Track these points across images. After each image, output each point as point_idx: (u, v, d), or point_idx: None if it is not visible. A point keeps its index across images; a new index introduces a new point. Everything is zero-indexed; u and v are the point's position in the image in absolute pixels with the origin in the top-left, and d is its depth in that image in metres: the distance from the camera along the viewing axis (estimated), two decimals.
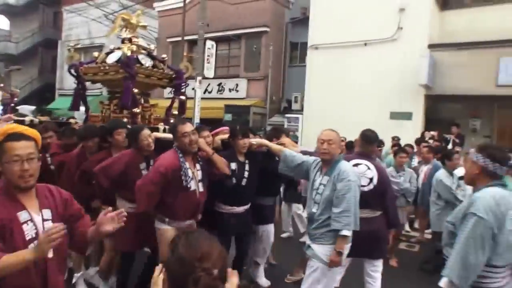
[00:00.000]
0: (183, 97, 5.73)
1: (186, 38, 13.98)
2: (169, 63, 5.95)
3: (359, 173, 3.32)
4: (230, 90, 14.77)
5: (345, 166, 2.87)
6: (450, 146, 9.36)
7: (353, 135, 8.42)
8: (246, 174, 3.58)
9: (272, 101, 14.56)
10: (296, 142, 7.09)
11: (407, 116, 10.95)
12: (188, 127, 3.08)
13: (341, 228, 2.70)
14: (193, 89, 11.19)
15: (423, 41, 10.71)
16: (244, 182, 3.55)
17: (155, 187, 2.96)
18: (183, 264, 1.10)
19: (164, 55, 5.82)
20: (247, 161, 3.62)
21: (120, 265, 3.47)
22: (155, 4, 18.18)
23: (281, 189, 5.41)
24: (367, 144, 3.52)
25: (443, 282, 2.12)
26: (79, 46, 7.65)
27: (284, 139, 4.03)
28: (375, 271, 3.39)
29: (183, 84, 5.75)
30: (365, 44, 11.67)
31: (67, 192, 1.96)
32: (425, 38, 10.72)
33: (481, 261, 2.03)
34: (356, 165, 3.39)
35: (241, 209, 3.58)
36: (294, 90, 14.11)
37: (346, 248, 2.80)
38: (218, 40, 15.38)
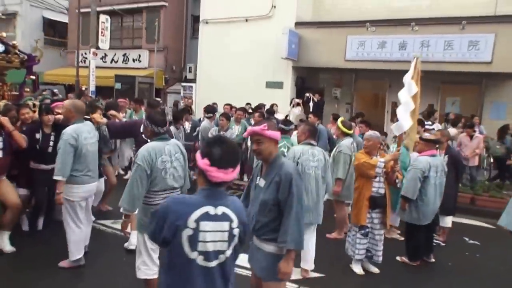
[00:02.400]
0: (33, 77, 6.81)
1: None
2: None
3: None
4: (133, 60, 15.60)
5: (69, 128, 4.01)
6: (311, 104, 11.15)
7: (236, 101, 9.95)
8: (51, 143, 4.76)
9: (173, 71, 15.64)
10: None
11: (279, 85, 12.56)
12: None
13: (55, 174, 3.93)
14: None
15: (292, 19, 12.20)
16: (50, 149, 4.74)
17: None
18: None
19: (14, 42, 6.75)
20: (53, 133, 4.83)
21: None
22: None
23: None
24: (90, 109, 5.03)
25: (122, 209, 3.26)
26: None
27: (94, 114, 5.32)
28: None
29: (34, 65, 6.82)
30: (246, 20, 12.95)
31: None
32: (293, 16, 12.20)
33: (141, 192, 3.10)
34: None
35: (48, 167, 4.73)
36: (194, 61, 15.21)
37: (69, 188, 3.98)
38: (124, 13, 16.05)
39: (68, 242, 4.12)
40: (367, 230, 4.56)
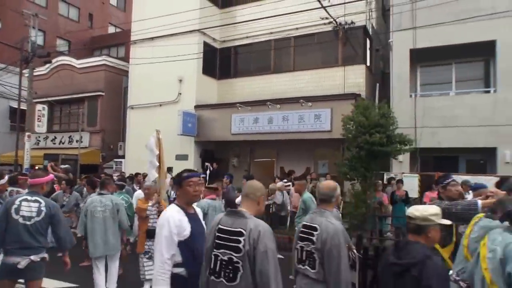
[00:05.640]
0: None
1: (47, 99, 17.62)
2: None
3: None
4: (76, 141, 18.27)
5: None
6: (208, 172, 13.54)
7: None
8: None
9: (110, 149, 18.26)
10: None
11: (185, 157, 15.01)
12: None
13: None
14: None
15: (193, 103, 15.06)
16: None
17: None
18: None
19: None
20: None
21: None
22: (25, 71, 21.52)
23: None
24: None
25: None
26: None
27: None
28: None
29: None
30: (160, 105, 15.84)
31: None
32: (193, 101, 15.08)
33: None
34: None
35: None
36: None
37: None
38: (70, 101, 19.17)
39: None
40: (150, 253, 6.45)
